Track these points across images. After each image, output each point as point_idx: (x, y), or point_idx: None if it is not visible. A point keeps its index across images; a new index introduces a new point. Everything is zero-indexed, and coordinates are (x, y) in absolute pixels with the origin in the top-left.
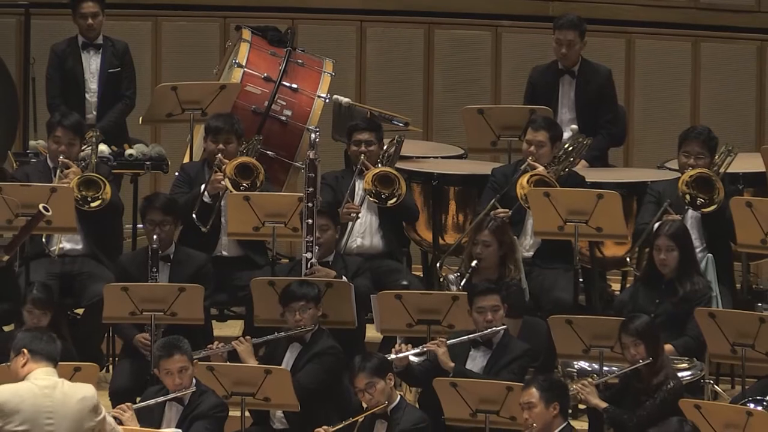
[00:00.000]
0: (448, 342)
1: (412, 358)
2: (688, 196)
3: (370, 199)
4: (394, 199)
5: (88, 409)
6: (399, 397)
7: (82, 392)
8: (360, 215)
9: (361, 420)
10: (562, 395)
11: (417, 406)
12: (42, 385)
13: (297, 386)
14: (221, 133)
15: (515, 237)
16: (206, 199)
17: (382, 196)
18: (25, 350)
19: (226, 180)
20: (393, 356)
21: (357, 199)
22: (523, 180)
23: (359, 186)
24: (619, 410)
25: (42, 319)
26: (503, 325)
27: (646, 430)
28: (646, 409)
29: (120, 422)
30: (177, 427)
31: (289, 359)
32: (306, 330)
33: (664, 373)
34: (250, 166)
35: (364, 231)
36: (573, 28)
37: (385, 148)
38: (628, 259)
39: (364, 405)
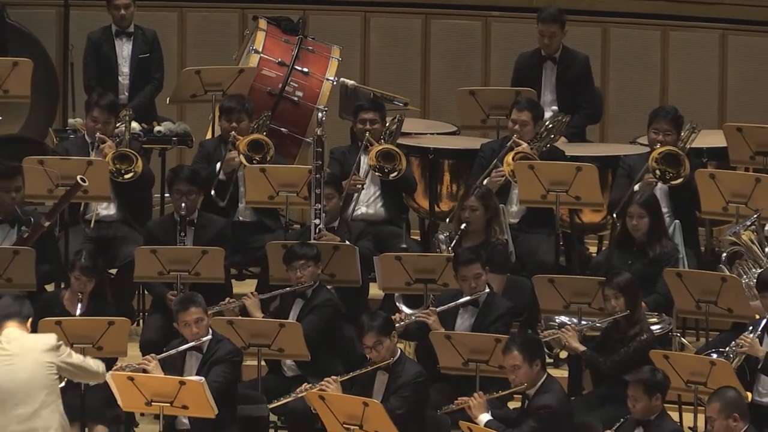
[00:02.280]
0: (437, 310)
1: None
2: (657, 171)
3: (374, 173)
4: (395, 173)
5: (44, 350)
6: (399, 351)
7: (42, 339)
8: (364, 186)
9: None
10: (540, 352)
11: (415, 358)
12: (4, 337)
13: None
14: (233, 112)
15: (502, 204)
16: (222, 177)
17: (385, 170)
18: None
19: (241, 156)
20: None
21: (362, 172)
22: (509, 157)
23: (364, 160)
24: (595, 354)
25: (87, 285)
26: (486, 288)
27: (619, 375)
28: (620, 356)
29: (145, 371)
30: (197, 373)
31: (294, 313)
32: (306, 286)
33: (640, 326)
34: (262, 142)
35: (368, 200)
36: (554, 21)
37: (387, 125)
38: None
39: (369, 358)
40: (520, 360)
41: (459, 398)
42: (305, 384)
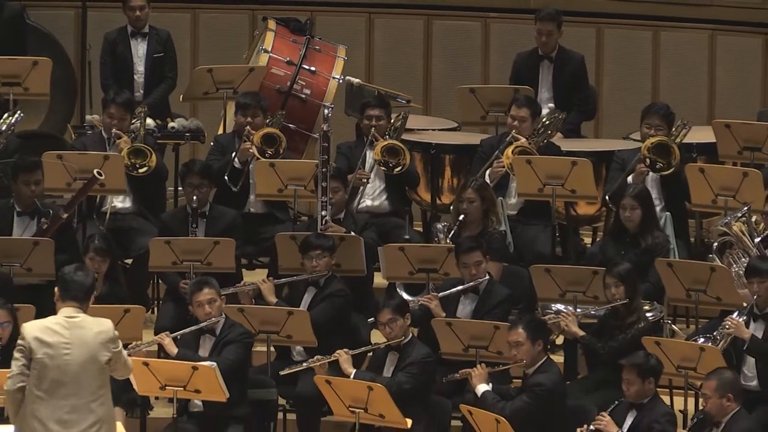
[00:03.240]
0: (439, 295)
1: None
2: (648, 160)
3: (380, 167)
4: (400, 168)
5: (103, 341)
6: (411, 335)
7: (99, 327)
8: (369, 180)
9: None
10: (544, 334)
11: (417, 338)
12: (65, 320)
13: (311, 322)
14: (249, 108)
15: (501, 197)
16: (236, 164)
17: (390, 164)
18: (57, 289)
19: (254, 148)
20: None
21: (367, 167)
22: (508, 151)
23: (370, 155)
24: (593, 339)
25: (102, 265)
26: (486, 275)
27: (615, 360)
28: (617, 341)
29: (161, 347)
30: (210, 354)
31: (306, 300)
32: (321, 275)
33: (637, 314)
34: (274, 136)
35: (372, 193)
36: (552, 20)
37: (392, 122)
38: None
39: (384, 338)
40: (524, 337)
41: (462, 369)
42: (317, 356)
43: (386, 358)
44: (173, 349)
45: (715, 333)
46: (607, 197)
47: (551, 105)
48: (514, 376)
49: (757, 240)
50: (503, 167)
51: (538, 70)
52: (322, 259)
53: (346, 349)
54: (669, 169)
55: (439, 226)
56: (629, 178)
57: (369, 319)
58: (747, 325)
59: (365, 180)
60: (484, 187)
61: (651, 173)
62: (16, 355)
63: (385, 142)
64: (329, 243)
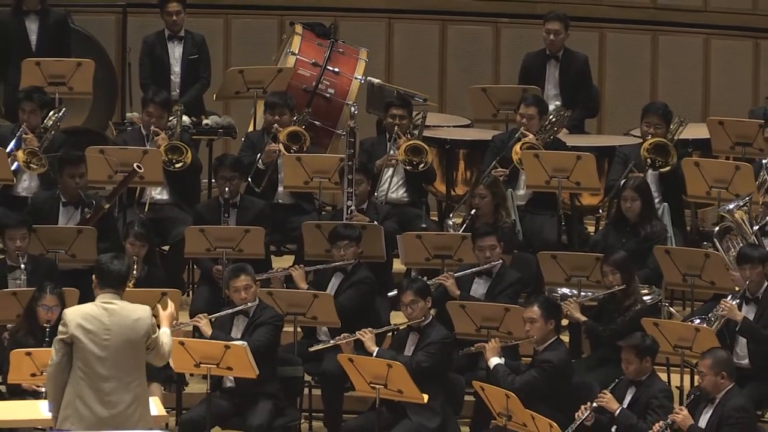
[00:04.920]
0: (455, 275)
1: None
2: (648, 159)
3: (404, 166)
4: (423, 165)
5: (141, 328)
6: (431, 316)
7: (137, 314)
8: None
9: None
10: (557, 314)
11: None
12: (104, 307)
13: (339, 306)
14: (277, 107)
15: (511, 189)
16: (260, 165)
17: (414, 162)
18: (94, 277)
19: (280, 145)
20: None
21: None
22: (517, 147)
23: (392, 151)
24: (595, 323)
25: (141, 250)
26: (500, 259)
27: (616, 341)
28: (616, 324)
29: (197, 328)
30: (243, 334)
31: (333, 285)
32: (348, 263)
33: (634, 297)
34: (299, 134)
35: (393, 186)
36: (559, 20)
37: (413, 119)
38: (600, 211)
39: (405, 318)
40: (538, 314)
41: (477, 343)
42: (344, 333)
43: (408, 338)
44: (208, 331)
45: (709, 315)
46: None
47: (557, 102)
48: (523, 354)
49: (755, 228)
50: (505, 173)
51: (545, 69)
52: (349, 249)
53: (369, 329)
54: (667, 167)
55: (450, 222)
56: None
57: (390, 293)
58: (740, 307)
59: (394, 162)
60: (495, 184)
61: (650, 170)
62: (57, 343)
63: (409, 142)
64: (356, 233)
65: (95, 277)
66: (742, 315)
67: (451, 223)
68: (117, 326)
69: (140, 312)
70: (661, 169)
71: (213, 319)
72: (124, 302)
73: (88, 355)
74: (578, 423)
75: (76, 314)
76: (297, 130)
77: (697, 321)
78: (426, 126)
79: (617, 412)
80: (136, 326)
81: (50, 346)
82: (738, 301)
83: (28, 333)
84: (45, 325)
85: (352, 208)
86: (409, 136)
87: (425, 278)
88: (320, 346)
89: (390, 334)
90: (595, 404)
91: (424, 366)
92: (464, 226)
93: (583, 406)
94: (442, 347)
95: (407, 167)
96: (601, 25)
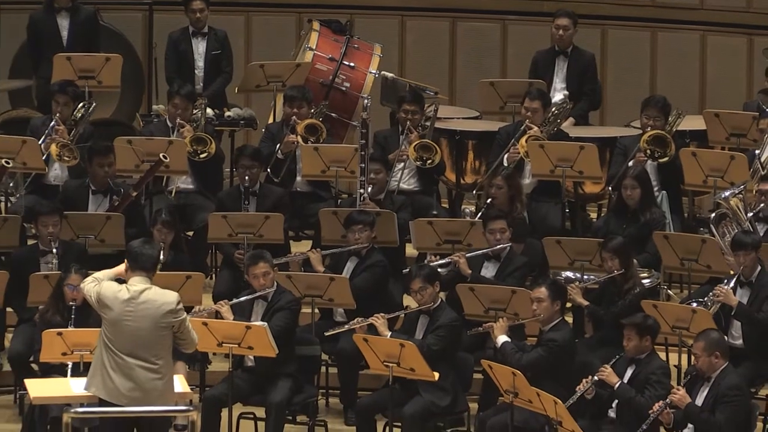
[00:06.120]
0: (466, 255)
1: (440, 269)
2: (648, 150)
3: (415, 162)
4: (431, 161)
5: (166, 311)
6: (440, 300)
7: (163, 299)
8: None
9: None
10: (563, 297)
11: (445, 303)
12: (132, 290)
13: (354, 288)
14: (295, 100)
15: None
16: (279, 155)
17: (424, 158)
18: (126, 261)
19: (299, 137)
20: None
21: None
22: (523, 141)
23: (404, 143)
24: (596, 307)
25: (168, 236)
26: (509, 243)
27: (616, 323)
28: (617, 307)
29: (219, 314)
30: (262, 318)
31: (348, 268)
32: (362, 246)
33: (633, 281)
34: (316, 126)
35: (406, 176)
36: (568, 16)
37: (425, 112)
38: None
39: (415, 304)
40: (545, 295)
41: (486, 323)
42: (358, 318)
43: (418, 321)
44: (229, 316)
45: (706, 299)
46: (611, 188)
47: (566, 92)
48: (529, 335)
49: (750, 215)
50: (518, 153)
51: (554, 64)
52: (363, 233)
53: (382, 314)
54: (665, 158)
55: (467, 210)
56: (629, 163)
57: (405, 270)
58: (734, 291)
59: (405, 156)
60: (512, 176)
61: (650, 161)
62: (92, 288)
63: (419, 141)
64: (370, 218)
65: (127, 261)
66: (737, 300)
67: (468, 210)
68: (143, 310)
69: (167, 297)
70: (660, 160)
71: (234, 303)
72: (154, 287)
73: (114, 333)
74: (579, 395)
75: (110, 294)
76: (314, 122)
77: (695, 304)
78: (437, 118)
79: (617, 386)
80: (161, 311)
81: (76, 325)
82: (732, 285)
83: (56, 312)
84: (71, 303)
85: (365, 195)
86: (420, 130)
87: (438, 257)
88: (335, 330)
89: (402, 315)
90: (596, 378)
91: (435, 349)
92: (480, 214)
93: (584, 380)
94: (451, 330)
95: (417, 163)
96: (602, 23)
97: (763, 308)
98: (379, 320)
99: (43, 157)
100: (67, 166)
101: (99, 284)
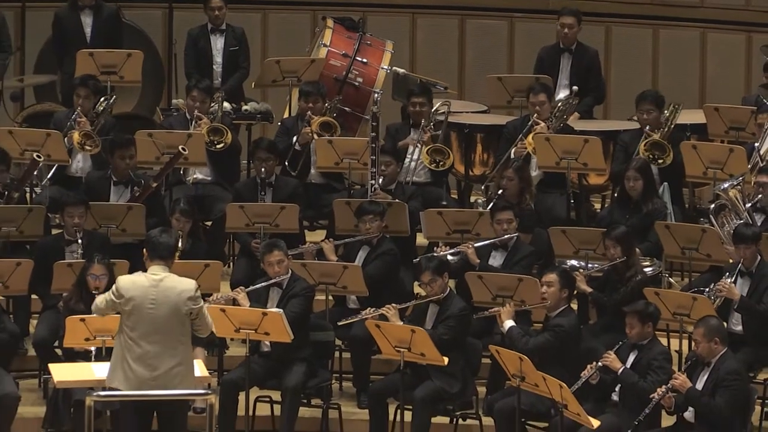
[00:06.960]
0: (475, 245)
1: (450, 258)
2: (648, 155)
3: (429, 166)
4: (443, 164)
5: (184, 299)
6: (449, 289)
7: (182, 286)
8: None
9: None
10: (571, 285)
11: (454, 292)
12: (152, 278)
13: (366, 276)
14: (310, 95)
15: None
16: (297, 147)
17: (437, 161)
18: (145, 250)
19: (314, 133)
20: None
21: (411, 147)
22: (529, 138)
23: (414, 134)
24: (600, 294)
25: (186, 225)
26: (516, 233)
27: (619, 309)
28: (620, 294)
29: (236, 300)
30: (277, 305)
31: (360, 257)
32: (373, 236)
33: (635, 269)
34: (330, 123)
35: (416, 169)
36: (573, 15)
37: (437, 109)
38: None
39: (423, 294)
40: (555, 280)
41: (493, 308)
42: (369, 308)
43: (428, 310)
44: (246, 303)
45: (707, 291)
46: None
47: (575, 88)
48: (535, 321)
49: (748, 205)
50: (525, 149)
51: (559, 60)
52: (374, 223)
53: (394, 304)
54: (666, 163)
55: (480, 201)
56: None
57: (415, 260)
58: (735, 281)
59: (413, 147)
60: (522, 169)
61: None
62: (109, 303)
63: (432, 145)
64: (380, 208)
65: (146, 249)
66: (740, 294)
67: (480, 201)
68: (164, 296)
69: (186, 284)
70: (660, 164)
71: (251, 290)
72: (172, 275)
73: (135, 321)
74: (584, 380)
75: (127, 282)
76: (328, 120)
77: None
78: (449, 112)
79: (620, 371)
80: (182, 297)
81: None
82: (733, 278)
83: (80, 300)
84: (94, 291)
85: (376, 186)
86: (432, 129)
87: (448, 248)
88: (349, 320)
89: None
90: (600, 363)
91: (445, 339)
92: (490, 204)
93: (589, 366)
94: (460, 319)
95: (432, 166)
96: (606, 20)
97: (763, 299)
98: (391, 311)
99: (67, 149)
100: (89, 158)
101: (104, 293)
